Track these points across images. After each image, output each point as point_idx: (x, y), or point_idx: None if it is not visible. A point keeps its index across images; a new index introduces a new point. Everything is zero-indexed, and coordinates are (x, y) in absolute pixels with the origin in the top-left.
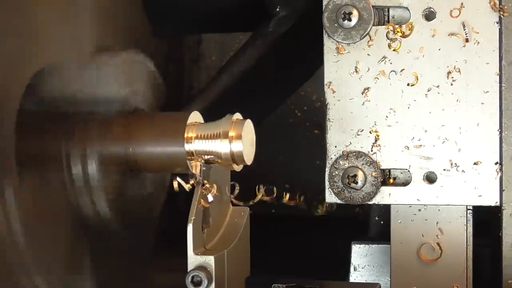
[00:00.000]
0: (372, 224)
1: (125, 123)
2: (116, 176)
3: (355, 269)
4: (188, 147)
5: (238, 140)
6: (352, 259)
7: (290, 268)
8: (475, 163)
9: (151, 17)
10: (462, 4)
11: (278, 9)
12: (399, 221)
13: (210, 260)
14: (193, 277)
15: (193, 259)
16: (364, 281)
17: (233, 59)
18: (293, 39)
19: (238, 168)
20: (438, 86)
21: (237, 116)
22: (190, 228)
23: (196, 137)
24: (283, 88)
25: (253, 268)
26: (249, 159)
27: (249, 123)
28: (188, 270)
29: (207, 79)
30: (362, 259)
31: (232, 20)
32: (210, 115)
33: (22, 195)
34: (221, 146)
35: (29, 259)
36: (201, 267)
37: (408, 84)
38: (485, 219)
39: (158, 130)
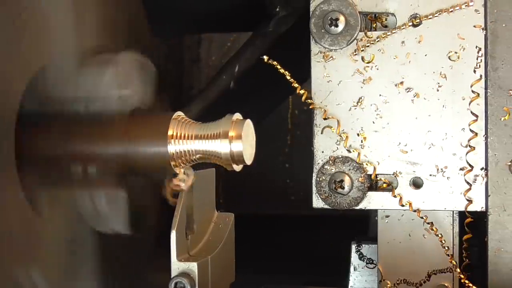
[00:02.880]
0: (372, 224)
1: (124, 123)
2: (115, 176)
3: (355, 269)
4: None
5: (238, 140)
6: (352, 259)
7: (290, 268)
8: (461, 169)
9: (151, 17)
10: (448, 10)
11: (278, 9)
12: (386, 221)
13: (193, 266)
14: (176, 283)
15: (176, 265)
16: (364, 281)
17: (233, 59)
18: (293, 39)
19: (238, 168)
20: (424, 92)
21: (237, 116)
22: (173, 235)
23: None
24: (283, 88)
25: (252, 268)
26: (249, 159)
27: (249, 123)
28: (172, 276)
29: (207, 79)
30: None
31: (232, 20)
32: (210, 115)
33: (21, 195)
34: (221, 146)
35: (29, 259)
36: (184, 274)
37: (396, 85)
38: (474, 219)
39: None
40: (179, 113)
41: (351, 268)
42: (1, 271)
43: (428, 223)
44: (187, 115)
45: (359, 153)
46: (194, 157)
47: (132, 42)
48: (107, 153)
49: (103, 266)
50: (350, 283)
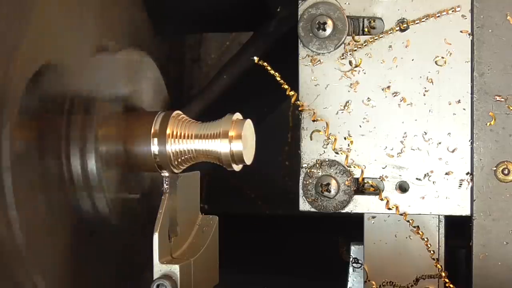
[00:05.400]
0: None
1: (124, 122)
2: (115, 175)
3: (354, 269)
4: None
5: (238, 140)
6: (352, 260)
7: (289, 268)
8: (446, 173)
9: (152, 17)
10: (435, 15)
11: (279, 9)
12: (373, 222)
13: (175, 269)
14: (158, 285)
15: (158, 268)
16: (363, 282)
17: (234, 58)
18: (295, 39)
19: (237, 168)
20: (410, 97)
21: (237, 116)
22: (156, 237)
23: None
24: (284, 88)
25: (252, 267)
26: (248, 159)
27: (249, 123)
28: (154, 278)
29: (208, 79)
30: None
31: (234, 20)
32: (210, 115)
33: (21, 194)
34: (221, 146)
35: (28, 258)
36: (166, 276)
37: (382, 89)
38: (463, 221)
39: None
40: (178, 112)
41: (350, 269)
42: (1, 271)
43: (414, 227)
44: (188, 114)
45: (347, 156)
46: (193, 156)
47: (133, 41)
48: (107, 151)
49: (103, 265)
50: (349, 284)
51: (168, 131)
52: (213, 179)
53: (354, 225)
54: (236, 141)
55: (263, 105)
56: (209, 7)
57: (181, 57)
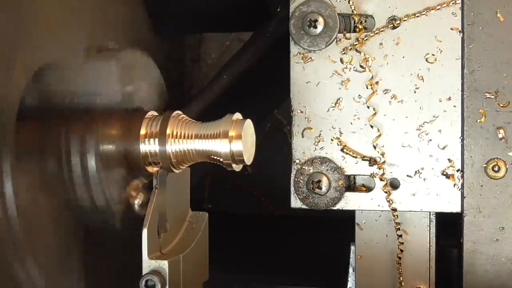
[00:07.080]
0: None
1: (125, 121)
2: (115, 174)
3: (354, 270)
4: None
5: (238, 140)
6: (351, 260)
7: (289, 268)
8: (437, 170)
9: (152, 16)
10: (425, 12)
11: (279, 9)
12: (364, 221)
13: (164, 264)
14: (147, 281)
15: (147, 263)
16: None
17: (234, 59)
18: None
19: (237, 168)
20: (401, 94)
21: (237, 116)
22: (144, 233)
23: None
24: (284, 88)
25: (252, 267)
26: (248, 159)
27: (249, 123)
28: (143, 274)
29: (208, 79)
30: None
31: (233, 20)
32: (210, 115)
33: (21, 192)
34: (221, 146)
35: (27, 254)
36: (155, 272)
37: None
38: (454, 220)
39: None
40: (178, 112)
41: (350, 269)
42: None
43: (399, 229)
44: (188, 114)
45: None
46: (193, 156)
47: (133, 41)
48: (107, 150)
49: (102, 264)
50: (349, 284)
51: (168, 131)
52: (213, 179)
53: (354, 226)
54: (236, 141)
55: (263, 105)
56: (209, 7)
57: (181, 57)
